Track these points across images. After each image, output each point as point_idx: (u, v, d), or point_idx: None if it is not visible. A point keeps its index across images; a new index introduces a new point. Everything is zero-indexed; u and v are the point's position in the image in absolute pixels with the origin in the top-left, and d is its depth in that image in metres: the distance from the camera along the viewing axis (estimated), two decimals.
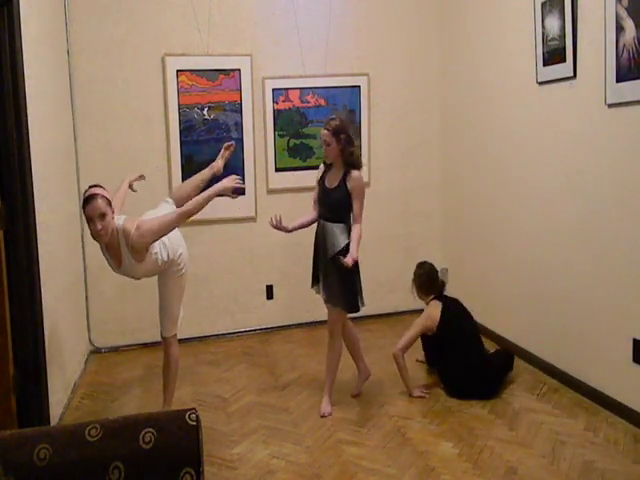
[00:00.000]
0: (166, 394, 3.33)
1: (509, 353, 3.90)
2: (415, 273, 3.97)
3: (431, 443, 3.09)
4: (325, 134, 3.40)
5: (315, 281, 3.57)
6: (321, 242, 3.48)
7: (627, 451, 2.94)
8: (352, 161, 3.38)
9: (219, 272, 4.76)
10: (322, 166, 3.60)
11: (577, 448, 2.98)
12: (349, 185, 3.36)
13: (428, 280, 3.92)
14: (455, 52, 4.86)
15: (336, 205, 3.41)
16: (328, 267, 3.42)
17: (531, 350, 4.03)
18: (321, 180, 3.53)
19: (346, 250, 3.31)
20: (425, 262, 4.01)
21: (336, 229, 3.39)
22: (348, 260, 3.20)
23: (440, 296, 3.88)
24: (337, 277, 3.38)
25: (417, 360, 4.08)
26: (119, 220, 2.94)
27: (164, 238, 3.05)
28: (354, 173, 3.37)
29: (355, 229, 3.37)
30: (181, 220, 2.98)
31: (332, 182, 3.44)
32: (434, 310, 3.74)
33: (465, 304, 3.91)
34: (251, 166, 4.71)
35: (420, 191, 5.15)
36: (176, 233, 3.25)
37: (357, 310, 3.48)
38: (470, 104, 4.68)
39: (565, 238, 3.65)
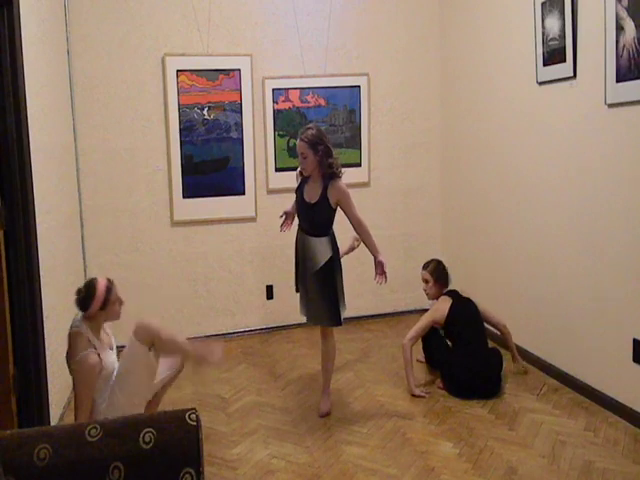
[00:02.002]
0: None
1: (497, 350, 3.90)
2: (430, 271, 3.92)
3: (431, 443, 3.09)
4: (301, 145, 3.20)
5: (298, 287, 3.52)
6: (302, 255, 3.40)
7: (627, 451, 2.94)
8: (331, 172, 3.21)
9: (219, 272, 4.76)
10: (299, 175, 3.42)
11: (577, 448, 2.98)
12: (332, 198, 3.23)
13: (445, 271, 3.95)
14: (455, 52, 4.86)
15: (318, 221, 3.30)
16: (309, 283, 3.36)
17: (531, 350, 4.03)
18: (299, 191, 3.38)
19: (329, 263, 3.27)
20: (431, 260, 4.01)
21: (319, 244, 3.30)
22: (381, 273, 3.23)
23: (451, 293, 3.90)
24: (318, 293, 3.33)
25: (418, 360, 4.08)
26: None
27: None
28: (335, 184, 3.22)
29: (363, 230, 3.30)
30: None
31: (312, 196, 3.29)
32: (443, 304, 3.79)
33: None
34: (251, 166, 4.71)
35: (420, 191, 5.15)
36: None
37: (340, 324, 3.37)
38: (470, 104, 4.68)
39: (565, 238, 3.65)
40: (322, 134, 3.25)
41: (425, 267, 3.99)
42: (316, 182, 3.28)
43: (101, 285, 2.78)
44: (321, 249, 3.29)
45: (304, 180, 3.37)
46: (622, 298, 3.22)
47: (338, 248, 3.43)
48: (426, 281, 3.95)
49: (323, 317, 3.36)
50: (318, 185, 3.27)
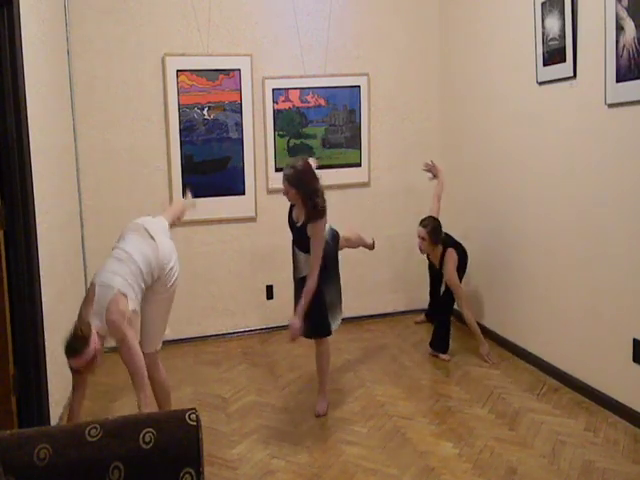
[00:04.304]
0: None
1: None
2: (429, 231, 4.11)
3: (431, 443, 3.09)
4: (283, 182, 3.24)
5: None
6: (294, 264, 3.50)
7: (627, 451, 2.94)
8: (314, 214, 3.18)
9: (219, 272, 4.76)
10: None
11: (577, 448, 2.98)
12: (309, 231, 3.25)
13: (440, 230, 4.17)
14: (455, 52, 4.86)
15: (303, 240, 3.33)
16: (297, 293, 3.40)
17: (531, 350, 4.03)
18: (290, 209, 3.45)
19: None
20: (428, 218, 4.17)
21: (304, 259, 3.36)
22: (294, 333, 3.24)
23: (450, 242, 4.24)
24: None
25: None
26: (100, 326, 2.68)
27: (141, 267, 2.85)
28: (313, 224, 3.20)
29: (307, 282, 3.22)
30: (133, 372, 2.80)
31: (298, 218, 3.34)
32: (454, 255, 4.17)
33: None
34: (251, 166, 4.71)
35: (420, 191, 5.14)
36: (164, 245, 3.02)
37: (329, 334, 3.41)
38: (470, 104, 4.68)
39: (565, 238, 3.65)
40: (300, 176, 3.17)
41: (424, 225, 4.15)
42: (301, 208, 3.29)
43: (72, 365, 2.66)
44: (305, 264, 3.34)
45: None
46: (622, 298, 3.22)
47: (333, 255, 3.43)
48: (422, 239, 4.15)
49: (311, 329, 3.39)
50: (302, 212, 3.29)
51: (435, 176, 4.39)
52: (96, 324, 2.68)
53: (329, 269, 3.39)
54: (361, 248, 4.07)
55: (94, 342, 2.62)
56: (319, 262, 3.24)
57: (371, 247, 4.10)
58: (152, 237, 2.98)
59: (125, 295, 2.73)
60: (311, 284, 3.23)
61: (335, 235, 3.52)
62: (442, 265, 4.19)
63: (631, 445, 2.99)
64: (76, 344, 2.58)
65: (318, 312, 3.35)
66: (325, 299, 3.36)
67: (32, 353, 2.97)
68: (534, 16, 3.74)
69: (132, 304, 2.77)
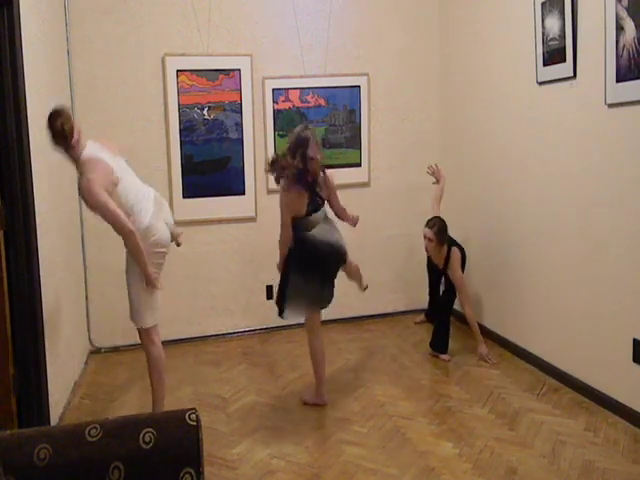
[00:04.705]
0: (152, 397, 3.20)
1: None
2: (436, 232, 4.11)
3: (431, 443, 3.09)
4: None
5: None
6: None
7: (627, 451, 2.94)
8: (278, 178, 3.36)
9: (219, 272, 4.76)
10: None
11: (577, 448, 2.98)
12: None
13: (446, 231, 4.18)
14: (455, 52, 4.86)
15: None
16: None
17: (531, 350, 4.03)
18: None
19: (288, 257, 3.38)
20: (434, 219, 4.18)
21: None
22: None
23: (453, 242, 4.26)
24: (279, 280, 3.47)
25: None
26: (88, 150, 2.94)
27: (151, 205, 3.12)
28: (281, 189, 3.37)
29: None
30: (122, 233, 2.94)
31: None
32: (458, 254, 4.21)
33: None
34: (251, 166, 4.71)
35: (420, 191, 5.14)
36: (164, 227, 3.14)
37: (280, 316, 3.45)
38: (470, 104, 4.68)
39: (564, 238, 3.65)
40: (283, 155, 3.31)
41: (431, 227, 4.15)
42: None
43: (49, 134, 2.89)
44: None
45: None
46: (622, 297, 3.22)
47: (317, 256, 3.41)
48: (429, 240, 4.15)
49: (277, 301, 3.49)
50: None
51: (438, 181, 4.40)
52: (85, 150, 2.94)
53: (310, 266, 3.37)
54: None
55: (69, 141, 2.87)
56: (283, 230, 3.35)
57: (362, 289, 3.98)
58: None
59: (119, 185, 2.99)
60: (280, 237, 3.40)
61: (335, 243, 3.43)
62: (446, 265, 4.19)
63: (631, 445, 3.00)
64: (54, 123, 2.84)
65: (279, 289, 3.42)
66: (287, 284, 3.37)
67: (32, 353, 2.97)
68: (534, 16, 3.74)
69: (123, 195, 2.99)
